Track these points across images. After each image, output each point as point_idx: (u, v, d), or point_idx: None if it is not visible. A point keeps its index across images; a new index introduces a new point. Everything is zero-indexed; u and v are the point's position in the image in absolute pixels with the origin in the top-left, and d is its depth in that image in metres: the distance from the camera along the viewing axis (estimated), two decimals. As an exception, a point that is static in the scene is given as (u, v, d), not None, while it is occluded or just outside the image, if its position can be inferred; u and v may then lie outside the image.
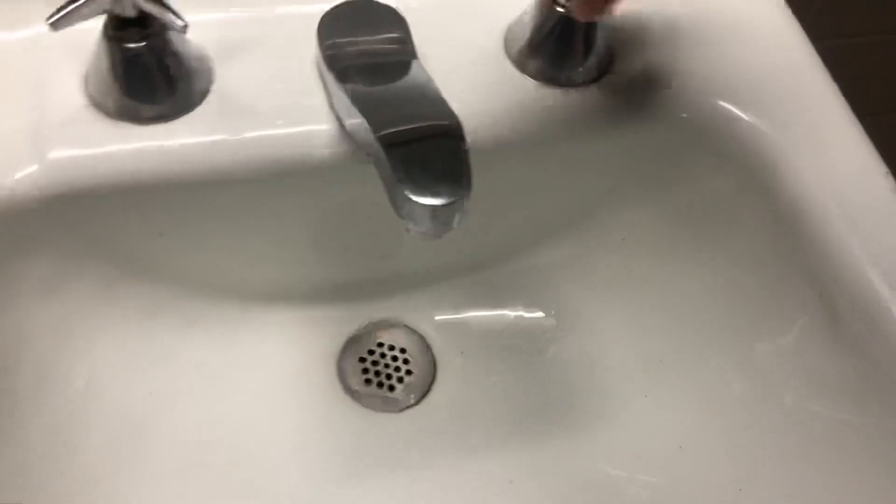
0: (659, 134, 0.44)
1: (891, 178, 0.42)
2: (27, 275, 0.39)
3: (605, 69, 0.43)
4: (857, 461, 0.37)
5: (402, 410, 0.48)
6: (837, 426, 0.39)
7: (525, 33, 0.42)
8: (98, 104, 0.39)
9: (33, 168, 0.37)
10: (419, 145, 0.30)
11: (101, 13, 0.35)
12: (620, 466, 0.45)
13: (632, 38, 0.45)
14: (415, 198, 0.29)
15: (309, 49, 0.40)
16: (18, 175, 0.37)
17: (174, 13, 0.34)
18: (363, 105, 0.32)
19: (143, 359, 0.44)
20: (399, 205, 0.29)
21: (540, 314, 0.50)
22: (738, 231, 0.44)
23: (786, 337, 0.41)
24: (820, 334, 0.40)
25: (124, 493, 0.41)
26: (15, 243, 0.38)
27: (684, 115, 0.43)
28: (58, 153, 0.38)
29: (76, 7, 0.33)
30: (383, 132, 0.30)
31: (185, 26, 0.34)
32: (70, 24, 0.33)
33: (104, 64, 0.37)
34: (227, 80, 0.40)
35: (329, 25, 0.39)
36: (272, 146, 0.40)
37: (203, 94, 0.40)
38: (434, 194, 0.29)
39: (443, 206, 0.29)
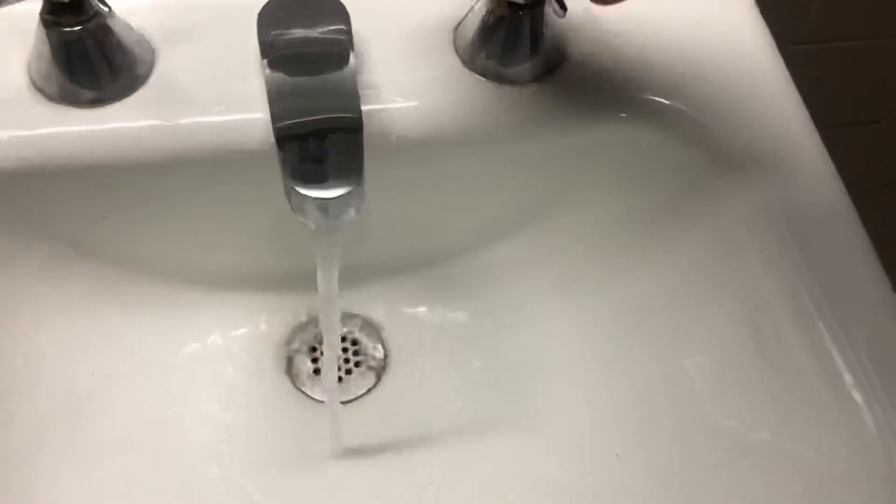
0: (608, 135, 0.43)
1: (845, 194, 0.40)
2: (-32, 252, 0.40)
3: (554, 67, 0.43)
4: (777, 484, 0.36)
5: (348, 402, 0.48)
6: (761, 447, 0.37)
7: (472, 28, 0.42)
8: (39, 87, 0.39)
9: (-28, 147, 0.38)
10: (313, 139, 0.30)
11: (34, -2, 0.36)
12: (560, 469, 0.44)
13: (587, 35, 0.44)
14: (303, 191, 0.28)
15: (252, 37, 0.40)
16: (-42, 154, 0.38)
17: (100, 1, 0.34)
18: (274, 96, 0.32)
19: (88, 338, 0.45)
20: (290, 198, 0.29)
21: (492, 313, 0.50)
22: (685, 239, 0.43)
23: (718, 351, 0.40)
24: (749, 352, 0.38)
25: (58, 469, 0.42)
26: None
27: (626, 116, 0.42)
28: (-1, 134, 0.39)
29: (1, -8, 0.34)
30: (280, 124, 0.30)
31: (110, 11, 0.34)
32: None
33: (43, 48, 0.38)
34: (169, 66, 0.41)
35: (270, 13, 0.39)
36: (208, 133, 0.40)
37: (143, 79, 0.40)
38: (323, 187, 0.29)
39: (332, 199, 0.29)
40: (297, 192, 0.28)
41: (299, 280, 0.49)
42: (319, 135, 0.30)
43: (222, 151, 0.40)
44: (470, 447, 0.46)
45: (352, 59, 0.36)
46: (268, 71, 0.36)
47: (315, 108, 0.31)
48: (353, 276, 0.50)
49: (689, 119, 0.42)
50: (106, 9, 0.35)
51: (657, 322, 0.44)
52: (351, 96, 0.32)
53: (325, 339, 0.37)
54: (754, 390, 0.38)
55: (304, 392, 0.48)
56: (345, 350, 0.50)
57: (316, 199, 0.28)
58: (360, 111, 0.31)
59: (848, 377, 0.35)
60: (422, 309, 0.50)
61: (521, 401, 0.47)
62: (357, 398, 0.48)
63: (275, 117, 0.31)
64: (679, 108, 0.42)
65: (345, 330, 0.50)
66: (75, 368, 0.44)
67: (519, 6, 0.40)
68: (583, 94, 0.42)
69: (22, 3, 0.36)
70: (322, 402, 0.48)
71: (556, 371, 0.47)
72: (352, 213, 0.30)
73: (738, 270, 0.40)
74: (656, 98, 0.42)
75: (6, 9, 0.39)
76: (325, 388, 0.42)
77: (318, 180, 0.29)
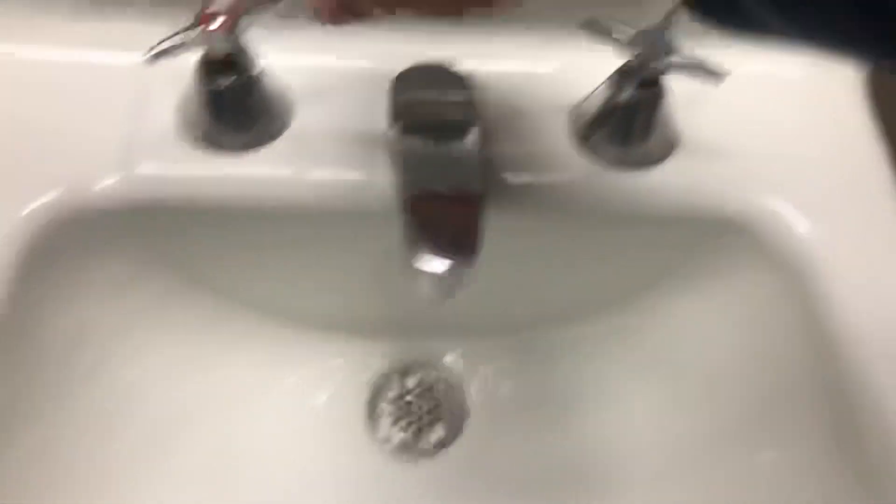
0: (710, 226, 0.44)
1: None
2: (98, 274, 0.43)
3: (664, 156, 0.44)
4: None
5: (422, 458, 0.49)
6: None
7: (589, 112, 0.44)
8: (186, 130, 0.43)
9: (120, 178, 0.42)
10: (436, 211, 0.32)
11: (195, 50, 0.39)
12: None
13: (702, 127, 0.45)
14: (417, 263, 0.30)
15: (384, 101, 0.43)
16: (106, 182, 0.42)
17: (251, 61, 0.38)
18: (402, 163, 0.35)
19: (191, 366, 0.48)
20: (405, 266, 0.31)
21: (575, 384, 0.51)
22: (776, 336, 0.43)
23: (798, 450, 0.40)
24: (831, 454, 0.38)
25: (150, 485, 0.44)
26: (93, 244, 0.42)
27: (734, 211, 0.43)
28: (144, 169, 0.42)
29: (169, 47, 0.37)
30: (406, 193, 0.32)
31: (261, 72, 0.38)
32: (163, 58, 0.38)
33: (195, 96, 0.41)
34: (305, 121, 0.44)
35: (403, 82, 0.41)
36: (331, 188, 0.42)
37: (280, 132, 0.43)
38: (437, 261, 0.30)
39: (443, 274, 0.30)
40: (413, 264, 0.30)
41: (394, 332, 0.51)
42: (443, 208, 0.32)
43: (342, 207, 0.43)
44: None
45: (475, 131, 0.39)
46: (395, 138, 0.38)
47: (439, 180, 0.33)
48: (442, 331, 0.52)
49: (789, 220, 0.42)
50: (256, 67, 0.38)
51: (736, 413, 0.44)
52: (474, 171, 0.34)
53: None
54: (825, 495, 0.38)
55: (381, 441, 0.50)
56: (425, 405, 0.51)
57: (430, 272, 0.30)
58: (482, 188, 0.33)
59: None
60: (506, 373, 0.51)
61: (592, 479, 0.48)
62: (431, 454, 0.49)
63: (400, 186, 0.33)
64: (783, 210, 0.43)
65: (428, 384, 0.52)
66: (174, 395, 0.47)
67: (638, 89, 0.42)
68: (690, 186, 0.43)
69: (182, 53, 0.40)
70: (397, 455, 0.49)
71: (630, 452, 0.48)
72: (462, 286, 0.31)
73: (829, 374, 0.40)
74: (764, 198, 0.43)
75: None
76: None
77: (435, 254, 0.31)
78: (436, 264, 0.30)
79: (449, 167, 0.35)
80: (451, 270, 0.30)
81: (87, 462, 0.42)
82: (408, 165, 0.35)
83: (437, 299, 0.32)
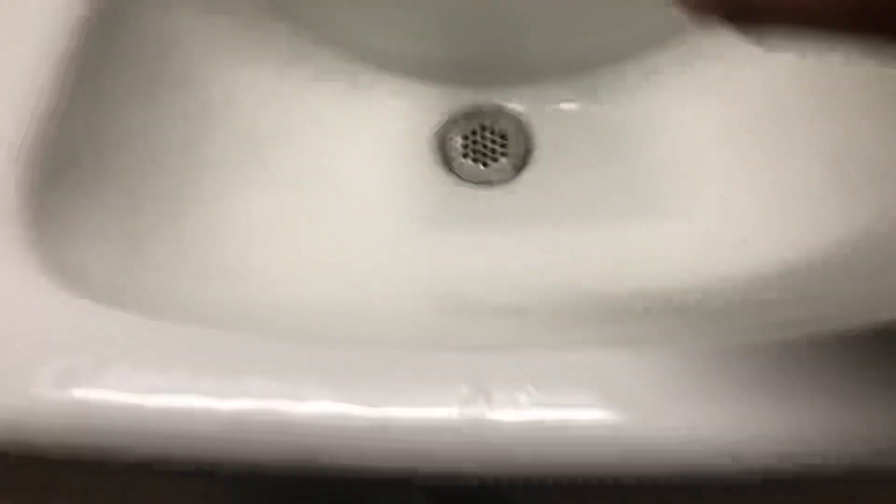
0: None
1: None
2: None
3: None
4: None
5: (492, 185, 0.52)
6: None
7: None
8: None
9: None
10: None
11: None
12: (685, 254, 0.46)
13: None
14: None
15: None
16: None
17: None
18: None
19: (275, 94, 0.51)
20: None
21: (640, 115, 0.52)
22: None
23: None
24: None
25: (239, 186, 0.48)
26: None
27: None
28: None
29: None
30: None
31: None
32: None
33: None
34: None
35: None
36: None
37: None
38: None
39: None
40: None
41: (464, 72, 0.53)
42: None
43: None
44: (600, 230, 0.49)
45: None
46: None
47: None
48: (510, 71, 0.54)
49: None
50: None
51: (800, 123, 0.45)
52: None
53: None
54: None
55: (454, 172, 0.52)
56: (493, 141, 0.54)
57: None
58: None
59: None
60: (571, 107, 0.53)
61: (655, 195, 0.49)
62: (499, 183, 0.52)
63: None
64: None
65: (496, 123, 0.54)
66: (262, 116, 0.50)
67: None
68: None
69: None
70: (468, 182, 0.52)
71: (693, 173, 0.49)
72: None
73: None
74: None
75: None
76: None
77: None
78: None
79: None
80: None
81: (178, 160, 0.45)
82: None
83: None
